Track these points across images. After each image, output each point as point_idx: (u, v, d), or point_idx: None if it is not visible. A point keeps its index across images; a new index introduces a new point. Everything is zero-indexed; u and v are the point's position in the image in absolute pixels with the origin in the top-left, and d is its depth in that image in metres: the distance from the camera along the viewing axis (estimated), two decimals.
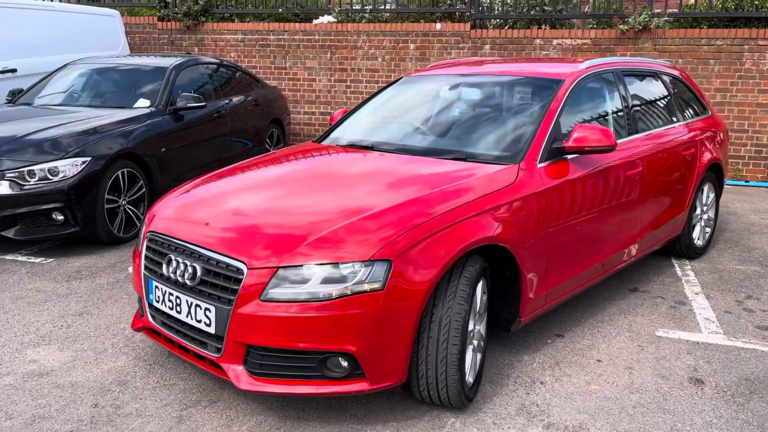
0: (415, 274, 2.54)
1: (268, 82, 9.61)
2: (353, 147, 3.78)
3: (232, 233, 2.73)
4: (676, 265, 4.81)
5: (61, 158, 4.85)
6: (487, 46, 8.85)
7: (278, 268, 2.52)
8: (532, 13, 8.92)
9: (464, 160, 3.33)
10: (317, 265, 2.51)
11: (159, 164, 5.70)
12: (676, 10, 8.52)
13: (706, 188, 4.93)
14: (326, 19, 9.61)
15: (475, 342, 2.95)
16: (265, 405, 2.88)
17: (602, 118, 3.94)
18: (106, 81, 6.55)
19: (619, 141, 3.88)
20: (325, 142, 4.03)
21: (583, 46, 8.50)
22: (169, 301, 2.82)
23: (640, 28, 8.17)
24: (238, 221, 2.81)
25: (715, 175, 5.07)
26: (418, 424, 2.76)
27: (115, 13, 9.37)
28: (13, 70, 7.50)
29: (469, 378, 2.88)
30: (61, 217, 4.86)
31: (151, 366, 3.23)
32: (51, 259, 4.86)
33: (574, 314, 3.90)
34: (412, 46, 9.17)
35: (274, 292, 2.50)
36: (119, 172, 5.22)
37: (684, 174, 4.48)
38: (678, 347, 3.49)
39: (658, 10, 8.40)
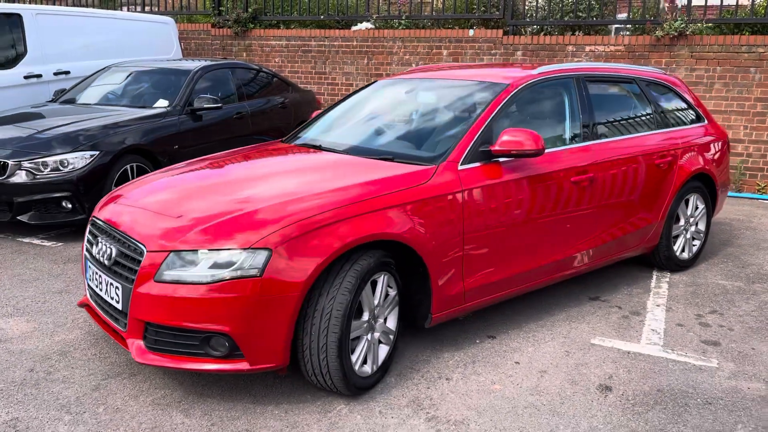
0: (295, 264, 2.69)
1: (307, 86, 9.98)
2: (305, 146, 3.97)
3: (145, 218, 2.99)
4: (655, 277, 4.68)
5: (71, 151, 5.32)
6: (519, 53, 8.81)
7: (171, 251, 2.74)
8: (566, 19, 8.80)
9: (391, 160, 3.45)
10: (207, 250, 2.71)
11: (171, 160, 6.09)
12: (715, 16, 8.17)
13: (692, 199, 4.77)
14: (365, 25, 9.86)
15: (377, 334, 3.07)
16: (177, 380, 3.11)
17: (552, 123, 3.94)
18: (139, 82, 7.07)
19: (569, 147, 3.88)
20: (295, 142, 4.22)
21: (616, 52, 8.30)
22: (95, 279, 3.12)
23: (676, 34, 7.90)
24: (155, 208, 3.06)
25: (707, 186, 4.89)
26: (307, 408, 2.91)
27: (170, 20, 9.98)
28: (66, 72, 8.17)
29: (365, 368, 3.00)
30: (69, 205, 5.32)
31: (97, 340, 3.53)
32: (60, 244, 5.33)
33: (516, 317, 3.91)
34: (445, 52, 9.26)
35: (167, 274, 2.72)
36: (128, 166, 5.65)
37: (656, 183, 4.37)
38: (605, 355, 3.45)
39: (696, 17, 8.09)
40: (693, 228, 4.85)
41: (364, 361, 3.00)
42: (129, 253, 2.89)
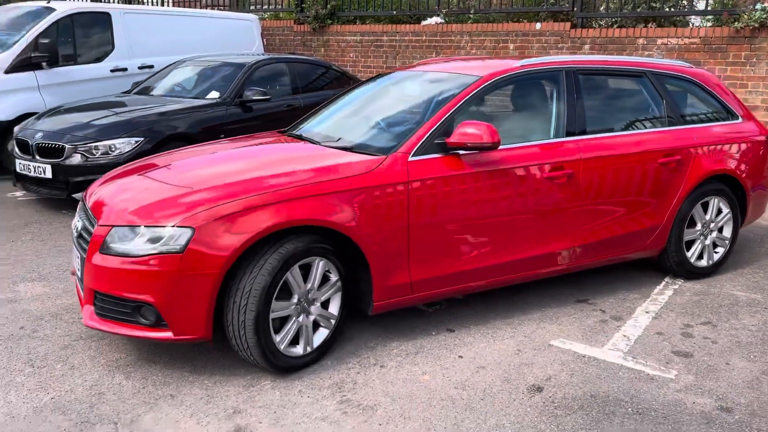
0: (216, 244, 2.86)
1: None
2: (291, 136, 4.13)
3: (109, 197, 3.28)
4: (663, 284, 4.40)
5: (119, 137, 5.85)
6: (587, 46, 8.46)
7: (113, 226, 3.01)
8: (638, 10, 8.33)
9: (351, 150, 3.53)
10: (143, 226, 2.95)
11: None
12: None
13: (712, 202, 4.42)
14: (434, 20, 9.87)
15: (312, 317, 3.18)
16: (136, 346, 3.39)
17: (531, 116, 3.84)
18: (202, 75, 7.56)
19: (547, 141, 3.76)
20: (289, 132, 4.38)
21: (691, 45, 7.76)
22: (74, 251, 3.46)
23: (757, 25, 7.25)
24: (121, 189, 3.35)
25: (734, 189, 4.51)
26: (236, 381, 3.08)
27: (253, 17, 10.52)
28: (150, 66, 8.88)
29: (296, 348, 3.13)
30: None
31: None
32: None
33: (486, 313, 3.85)
34: (511, 46, 9.07)
35: (110, 247, 2.99)
36: None
37: (661, 183, 4.11)
38: (557, 357, 3.33)
39: None
40: (714, 234, 4.50)
41: (294, 342, 3.12)
42: (89, 226, 3.20)
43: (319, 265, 3.14)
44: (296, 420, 2.77)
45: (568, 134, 3.84)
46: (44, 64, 7.69)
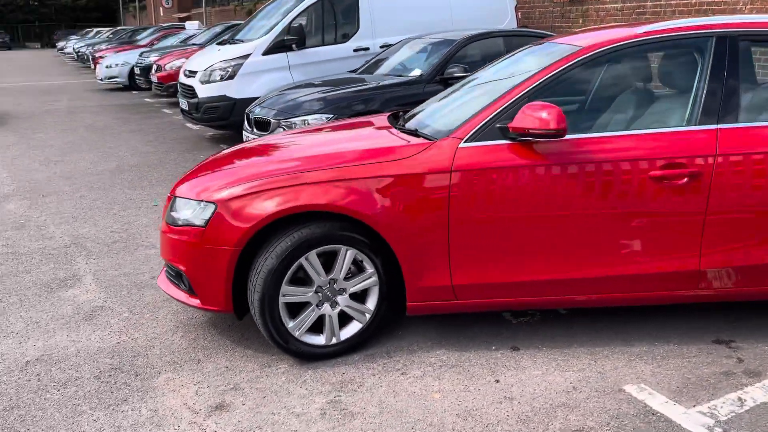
0: (234, 222, 2.90)
1: None
2: (393, 118, 3.89)
3: (187, 174, 3.56)
4: None
5: (312, 113, 6.26)
6: None
7: (174, 197, 3.26)
8: None
9: (413, 133, 3.22)
10: (182, 198, 3.14)
11: None
12: None
13: None
14: None
15: (339, 307, 3.03)
16: (201, 313, 3.61)
17: (649, 98, 2.98)
18: (420, 53, 7.62)
19: (663, 130, 2.91)
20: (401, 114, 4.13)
21: None
22: None
23: None
24: (206, 168, 3.59)
25: None
26: (255, 359, 3.10)
27: None
28: (389, 46, 9.24)
29: (316, 337, 3.04)
30: None
31: None
32: None
33: (577, 337, 3.19)
34: None
35: (168, 215, 3.26)
36: None
37: None
38: (616, 407, 2.61)
39: None
40: None
41: (314, 330, 3.02)
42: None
43: (346, 255, 2.96)
44: (274, 410, 2.69)
45: (704, 122, 2.90)
46: (294, 45, 8.57)
